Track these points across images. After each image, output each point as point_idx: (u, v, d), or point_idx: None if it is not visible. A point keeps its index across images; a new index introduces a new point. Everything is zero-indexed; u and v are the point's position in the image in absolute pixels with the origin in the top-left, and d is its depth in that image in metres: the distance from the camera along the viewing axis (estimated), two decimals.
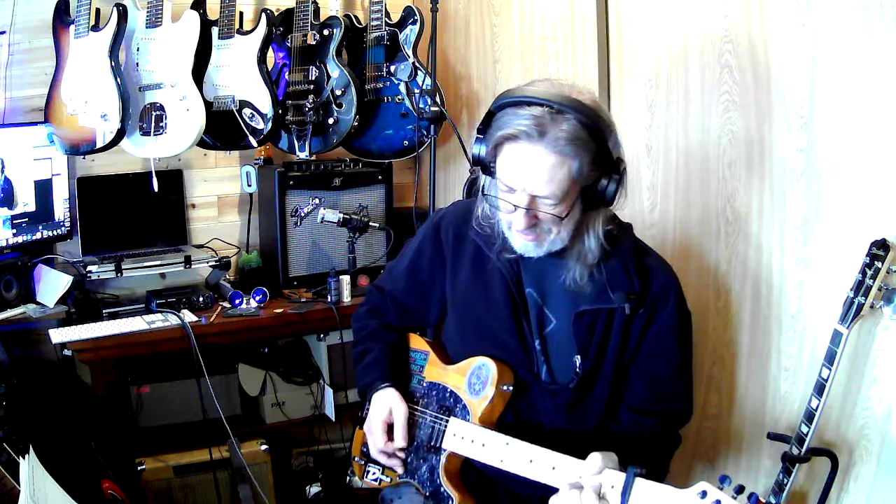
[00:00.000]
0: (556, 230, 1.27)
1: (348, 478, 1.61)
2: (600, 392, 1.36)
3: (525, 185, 1.22)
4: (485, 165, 1.30)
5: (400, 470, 1.47)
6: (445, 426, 1.40)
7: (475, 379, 1.37)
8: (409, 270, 1.56)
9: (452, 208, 1.55)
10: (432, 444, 1.42)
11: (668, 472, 1.40)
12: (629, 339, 1.34)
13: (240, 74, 2.41)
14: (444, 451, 1.39)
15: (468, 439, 1.34)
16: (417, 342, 1.57)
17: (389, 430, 1.45)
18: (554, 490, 1.17)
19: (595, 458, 1.15)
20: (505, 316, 1.38)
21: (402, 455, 1.47)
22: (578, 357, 1.33)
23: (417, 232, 1.61)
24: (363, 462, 1.56)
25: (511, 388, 1.35)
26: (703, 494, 1.01)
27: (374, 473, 1.53)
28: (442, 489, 1.38)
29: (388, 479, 1.51)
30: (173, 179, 2.61)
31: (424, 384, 1.49)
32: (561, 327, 1.37)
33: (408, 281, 1.57)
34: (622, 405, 1.39)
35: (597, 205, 1.28)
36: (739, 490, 1.02)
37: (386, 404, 1.45)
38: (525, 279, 1.39)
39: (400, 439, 1.43)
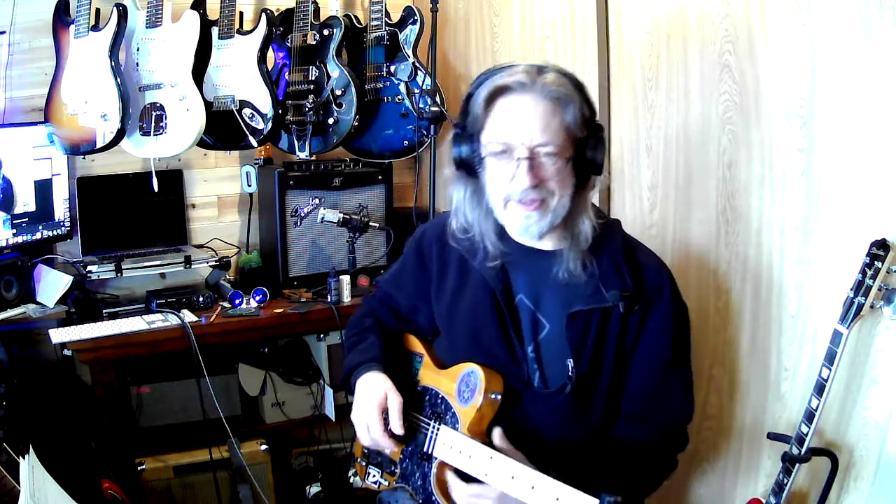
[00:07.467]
0: (559, 194, 1.26)
1: (350, 477, 1.60)
2: (598, 396, 1.34)
3: (523, 135, 1.22)
4: (470, 141, 1.29)
5: (392, 449, 1.42)
6: (437, 433, 1.37)
7: (464, 386, 1.35)
8: (397, 287, 1.57)
9: (434, 221, 1.54)
10: (425, 450, 1.39)
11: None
12: (626, 340, 1.33)
13: (240, 74, 2.41)
14: (436, 459, 1.36)
15: (456, 449, 1.30)
16: (413, 344, 1.55)
17: (383, 416, 1.39)
18: None
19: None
20: (490, 325, 1.35)
21: (396, 445, 1.41)
22: (570, 361, 1.31)
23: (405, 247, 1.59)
24: (364, 463, 1.55)
25: (499, 396, 1.32)
26: None
27: (374, 476, 1.52)
28: (433, 498, 1.35)
29: (387, 483, 1.50)
30: (173, 179, 2.61)
31: (418, 388, 1.47)
32: (554, 331, 1.34)
33: (397, 295, 1.57)
34: (619, 411, 1.37)
35: (587, 172, 1.29)
36: None
37: (380, 387, 1.40)
38: (516, 285, 1.37)
39: (398, 427, 1.37)
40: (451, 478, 1.32)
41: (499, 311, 1.35)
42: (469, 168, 1.32)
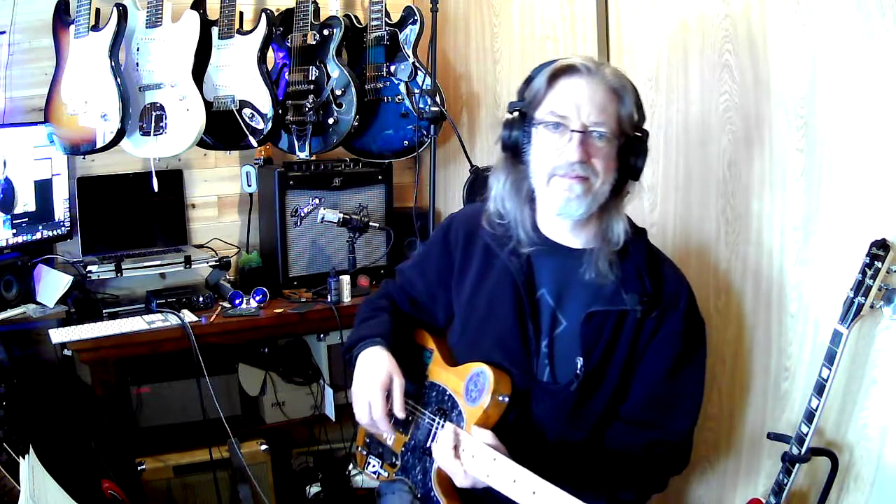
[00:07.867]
0: (602, 178, 1.28)
1: (349, 471, 1.61)
2: (602, 397, 1.34)
3: (581, 111, 1.26)
4: (522, 120, 1.32)
5: (389, 431, 1.44)
6: (441, 430, 1.37)
7: (472, 386, 1.35)
8: (419, 272, 1.57)
9: (464, 210, 1.55)
10: (428, 445, 1.39)
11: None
12: (637, 345, 1.33)
13: (240, 74, 2.41)
14: None
15: (460, 448, 1.30)
16: (424, 339, 1.55)
17: (386, 396, 1.40)
18: None
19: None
20: (508, 316, 1.36)
21: (393, 428, 1.43)
22: (580, 359, 1.31)
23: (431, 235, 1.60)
24: (365, 453, 1.56)
25: (507, 399, 1.32)
26: None
27: (373, 466, 1.53)
28: (432, 494, 1.36)
29: (386, 474, 1.51)
30: (173, 179, 2.61)
31: (426, 383, 1.48)
32: (570, 329, 1.35)
33: (418, 280, 1.57)
34: (618, 415, 1.37)
35: (626, 175, 1.33)
36: None
37: (383, 366, 1.41)
38: (539, 279, 1.38)
39: (400, 410, 1.39)
40: (445, 436, 1.31)
41: (519, 303, 1.36)
42: (515, 149, 1.33)
